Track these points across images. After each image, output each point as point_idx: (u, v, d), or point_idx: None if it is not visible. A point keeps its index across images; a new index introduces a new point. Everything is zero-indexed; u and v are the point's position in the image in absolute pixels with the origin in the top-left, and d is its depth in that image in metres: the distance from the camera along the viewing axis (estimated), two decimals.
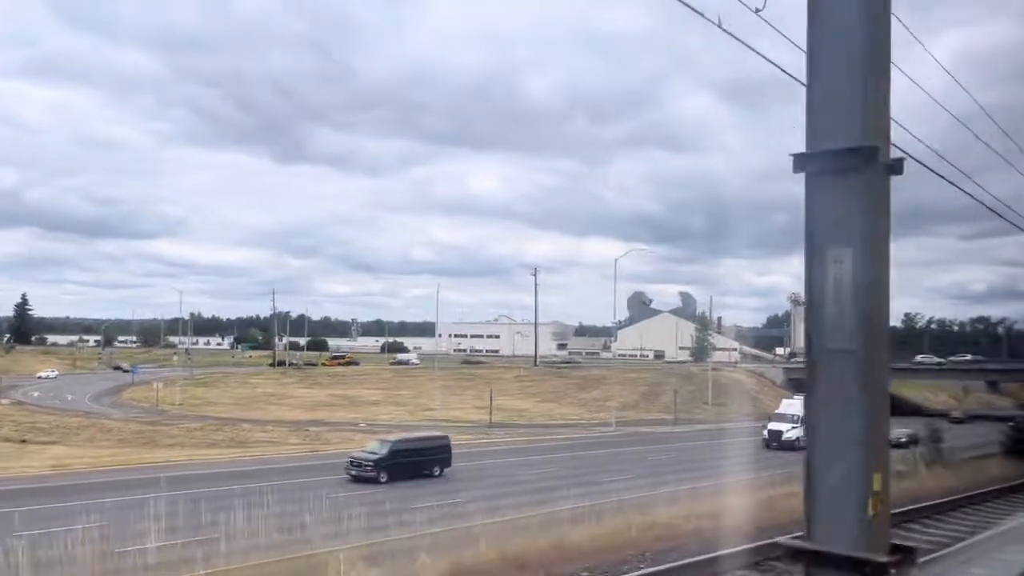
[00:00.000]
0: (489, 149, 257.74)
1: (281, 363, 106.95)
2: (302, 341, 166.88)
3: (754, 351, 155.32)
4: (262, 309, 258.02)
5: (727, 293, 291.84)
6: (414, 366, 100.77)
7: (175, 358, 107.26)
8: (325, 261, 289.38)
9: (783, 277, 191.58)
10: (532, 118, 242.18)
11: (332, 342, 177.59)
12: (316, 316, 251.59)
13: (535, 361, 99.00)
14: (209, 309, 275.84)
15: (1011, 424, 58.66)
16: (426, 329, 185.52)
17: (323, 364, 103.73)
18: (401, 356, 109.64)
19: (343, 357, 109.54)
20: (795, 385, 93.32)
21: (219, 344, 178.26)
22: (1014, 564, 9.10)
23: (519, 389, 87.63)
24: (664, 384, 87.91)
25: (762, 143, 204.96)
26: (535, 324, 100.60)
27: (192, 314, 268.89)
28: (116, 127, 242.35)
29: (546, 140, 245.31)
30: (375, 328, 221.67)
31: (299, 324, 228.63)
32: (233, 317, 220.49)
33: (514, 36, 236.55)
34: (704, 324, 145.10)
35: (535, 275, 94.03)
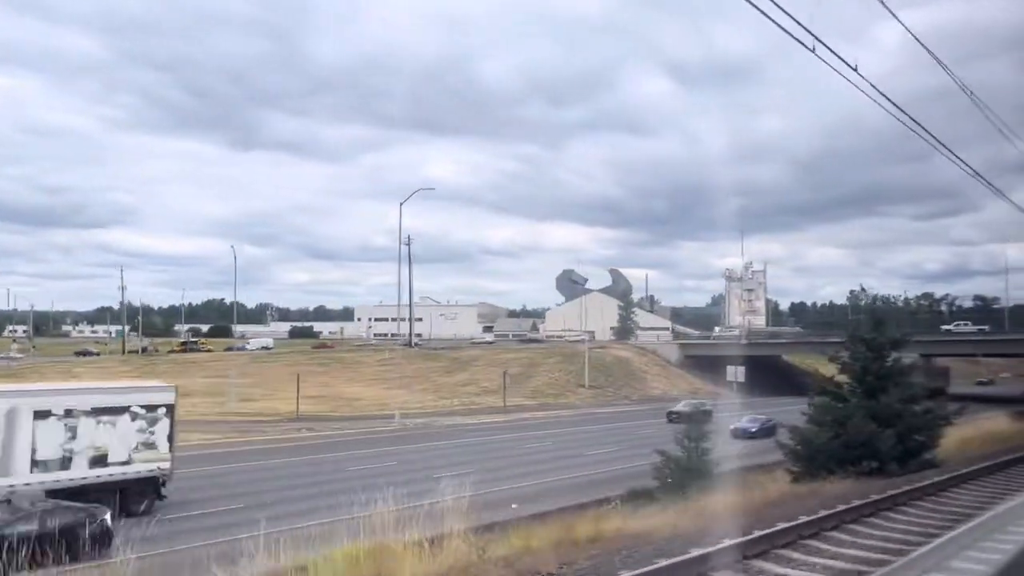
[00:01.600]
0: (448, 134, 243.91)
1: (135, 351, 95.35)
2: (204, 328, 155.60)
3: (688, 330, 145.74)
4: (197, 297, 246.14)
5: (688, 276, 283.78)
6: (266, 351, 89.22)
7: (14, 346, 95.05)
8: (284, 249, 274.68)
9: (741, 259, 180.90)
10: (490, 102, 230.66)
11: (242, 328, 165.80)
12: (251, 303, 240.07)
13: (410, 343, 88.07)
14: (162, 299, 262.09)
15: (670, 416, 42.94)
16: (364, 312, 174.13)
17: (173, 350, 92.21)
18: (255, 341, 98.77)
19: (195, 343, 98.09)
20: (693, 363, 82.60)
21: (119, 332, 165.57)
22: None
23: (377, 374, 76.73)
24: (541, 365, 77.52)
25: (721, 126, 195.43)
26: (410, 305, 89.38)
27: (121, 303, 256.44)
28: (61, 114, 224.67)
29: (505, 124, 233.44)
30: (315, 315, 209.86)
31: (239, 312, 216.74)
32: (167, 306, 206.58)
33: (470, 19, 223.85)
34: (628, 303, 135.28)
35: (408, 244, 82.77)
